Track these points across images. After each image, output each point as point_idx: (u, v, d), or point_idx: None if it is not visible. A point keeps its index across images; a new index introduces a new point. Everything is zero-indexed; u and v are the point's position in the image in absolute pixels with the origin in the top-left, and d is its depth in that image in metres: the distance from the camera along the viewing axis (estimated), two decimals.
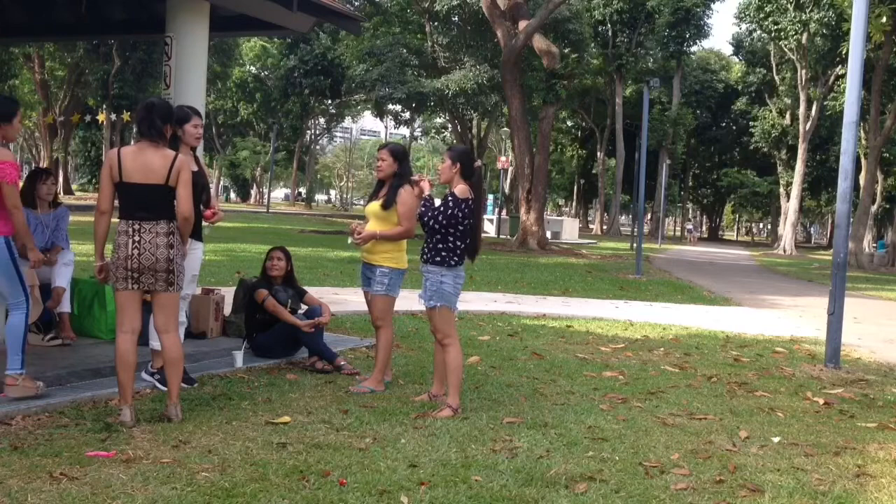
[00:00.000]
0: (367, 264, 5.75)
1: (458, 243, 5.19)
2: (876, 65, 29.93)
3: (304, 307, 6.53)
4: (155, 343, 5.34)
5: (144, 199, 4.53)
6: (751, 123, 48.44)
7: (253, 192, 78.01)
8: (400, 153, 5.74)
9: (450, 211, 5.14)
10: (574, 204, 71.79)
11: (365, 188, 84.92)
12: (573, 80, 30.78)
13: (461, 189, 5.22)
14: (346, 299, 10.19)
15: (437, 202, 5.34)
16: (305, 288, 6.74)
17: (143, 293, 4.67)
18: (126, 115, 23.11)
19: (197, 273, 5.58)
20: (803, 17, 36.88)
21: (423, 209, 5.26)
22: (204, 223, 5.45)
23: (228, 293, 7.45)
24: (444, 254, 5.17)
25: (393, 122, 48.17)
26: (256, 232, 25.70)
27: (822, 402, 6.06)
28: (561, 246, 30.03)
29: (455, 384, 5.15)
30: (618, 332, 9.21)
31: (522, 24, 25.14)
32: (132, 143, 5.17)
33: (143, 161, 4.52)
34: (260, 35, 38.11)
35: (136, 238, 4.53)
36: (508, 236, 31.73)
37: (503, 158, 42.46)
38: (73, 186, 54.58)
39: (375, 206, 5.67)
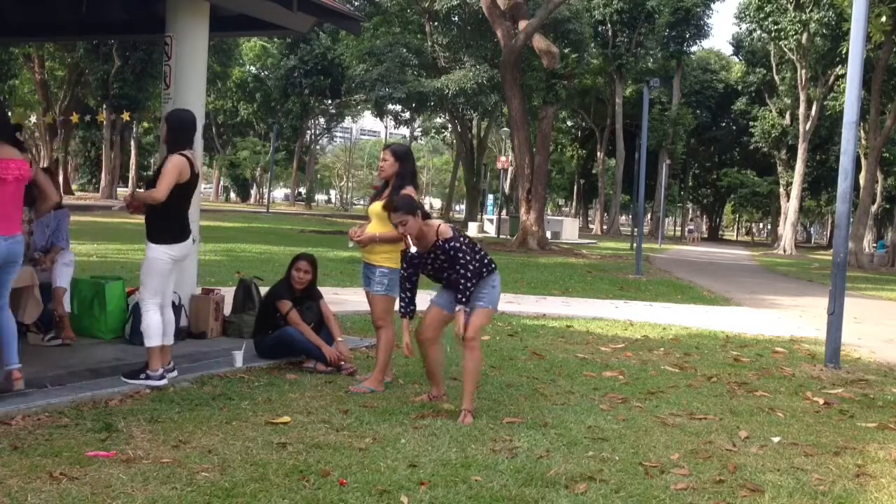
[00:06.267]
0: (368, 265, 5.75)
1: (484, 254, 5.17)
2: (876, 65, 29.92)
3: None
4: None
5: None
6: (751, 123, 48.40)
7: (253, 192, 77.97)
8: (401, 153, 5.75)
9: (475, 256, 5.07)
10: (574, 204, 71.75)
11: (365, 188, 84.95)
12: (573, 80, 30.78)
13: (444, 228, 5.09)
14: (346, 299, 10.19)
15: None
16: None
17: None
18: (126, 115, 23.09)
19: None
20: (803, 17, 36.87)
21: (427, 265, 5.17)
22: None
23: (228, 293, 7.45)
24: (491, 266, 5.18)
25: (393, 122, 48.23)
26: (256, 232, 25.70)
27: (822, 402, 6.06)
28: (561, 246, 30.02)
29: (472, 389, 5.11)
30: (618, 332, 9.21)
31: (522, 24, 25.13)
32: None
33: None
34: (260, 35, 38.06)
35: None
36: (508, 236, 31.73)
37: (503, 158, 42.48)
38: (73, 186, 54.54)
39: (378, 206, 5.67)
